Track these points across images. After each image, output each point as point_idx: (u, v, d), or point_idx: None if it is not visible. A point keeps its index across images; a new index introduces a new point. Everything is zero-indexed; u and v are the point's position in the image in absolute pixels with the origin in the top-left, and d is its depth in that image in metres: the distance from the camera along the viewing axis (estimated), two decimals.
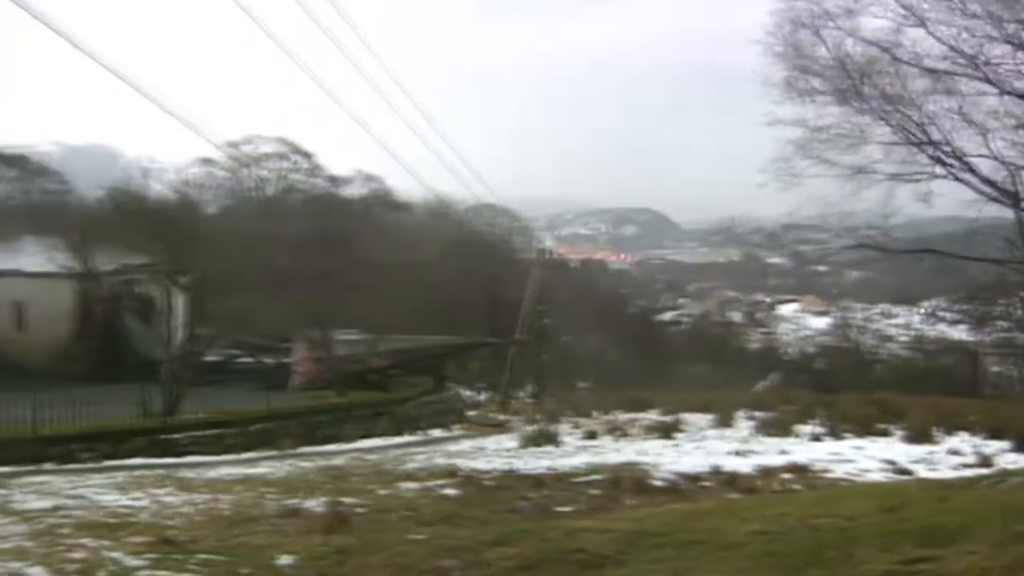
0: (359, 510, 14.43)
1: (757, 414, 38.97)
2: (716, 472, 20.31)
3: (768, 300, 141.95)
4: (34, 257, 44.50)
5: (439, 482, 18.17)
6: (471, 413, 47.37)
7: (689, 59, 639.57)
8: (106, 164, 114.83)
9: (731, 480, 19.32)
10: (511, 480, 18.90)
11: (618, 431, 34.26)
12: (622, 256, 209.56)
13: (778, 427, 34.28)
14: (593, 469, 20.50)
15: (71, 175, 77.34)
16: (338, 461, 24.24)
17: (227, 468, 22.47)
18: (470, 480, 18.65)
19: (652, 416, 40.13)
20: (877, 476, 21.17)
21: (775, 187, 23.58)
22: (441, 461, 23.50)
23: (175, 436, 28.06)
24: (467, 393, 55.72)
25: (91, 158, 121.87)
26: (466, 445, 30.78)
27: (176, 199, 65.97)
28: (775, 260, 58.64)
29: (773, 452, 25.69)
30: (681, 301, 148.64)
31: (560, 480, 18.81)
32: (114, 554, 10.72)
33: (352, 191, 76.83)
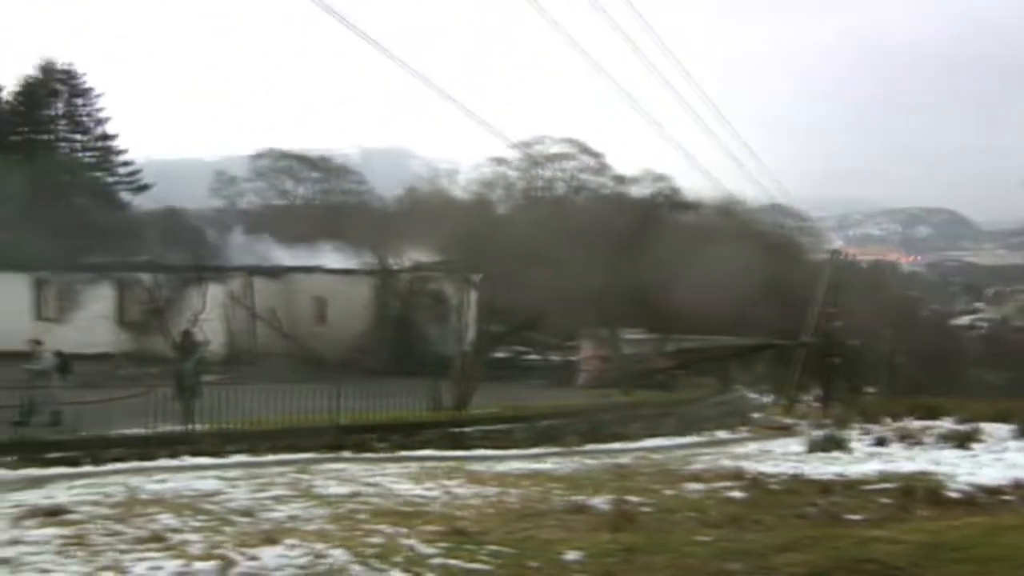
0: (644, 509, 14.45)
1: None
2: (1018, 486, 19.30)
3: None
4: (335, 254, 46.61)
5: (725, 484, 17.98)
6: (756, 415, 46.68)
7: (987, 51, 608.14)
8: (402, 165, 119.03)
9: None
10: (798, 485, 18.51)
11: (910, 439, 32.99)
12: (914, 257, 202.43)
13: None
14: (884, 477, 19.82)
15: (369, 176, 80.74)
16: (623, 459, 24.31)
17: (515, 463, 22.89)
18: (756, 483, 18.38)
19: (946, 424, 38.42)
20: None
21: None
22: (727, 463, 23.24)
23: (465, 430, 28.86)
24: (752, 395, 54.98)
25: (388, 159, 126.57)
26: (752, 447, 30.34)
27: (469, 199, 67.77)
28: None
29: None
30: (977, 305, 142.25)
31: (849, 487, 18.27)
32: (409, 541, 11.15)
33: (640, 190, 76.98)
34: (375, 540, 11.26)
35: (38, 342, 27.14)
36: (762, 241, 74.81)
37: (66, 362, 27.53)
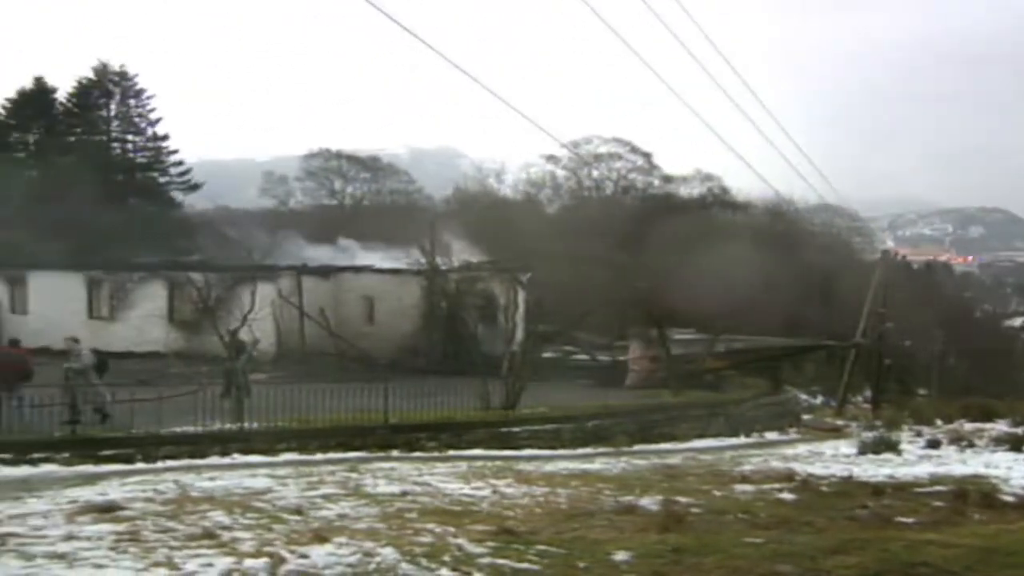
0: (694, 510, 14.39)
1: None
2: None
3: None
4: (384, 254, 46.80)
5: (775, 485, 17.88)
6: (807, 417, 46.40)
7: None
8: (451, 165, 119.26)
9: None
10: (849, 487, 18.37)
11: (963, 441, 32.65)
12: (967, 258, 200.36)
13: None
14: (936, 480, 19.63)
15: (418, 176, 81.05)
16: (672, 460, 24.23)
17: (563, 462, 22.88)
18: (807, 485, 18.26)
19: (1000, 427, 37.99)
20: None
21: None
22: (777, 464, 23.11)
23: (514, 429, 28.84)
24: (802, 396, 54.63)
25: (437, 159, 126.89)
26: (802, 449, 30.15)
27: (518, 198, 67.89)
28: None
29: None
30: None
31: (901, 490, 18.11)
32: (458, 540, 11.18)
33: (689, 190, 76.81)
34: (424, 539, 11.30)
35: (75, 340, 27.38)
36: (813, 241, 74.39)
37: (103, 360, 27.78)
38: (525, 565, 10.08)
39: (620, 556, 10.44)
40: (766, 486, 17.85)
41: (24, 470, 20.05)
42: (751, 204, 75.03)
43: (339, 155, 77.71)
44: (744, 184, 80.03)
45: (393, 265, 46.83)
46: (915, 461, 25.44)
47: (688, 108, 24.25)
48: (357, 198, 76.66)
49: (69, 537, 11.06)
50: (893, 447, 28.08)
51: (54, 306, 45.14)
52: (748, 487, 17.73)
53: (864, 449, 27.64)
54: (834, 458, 25.86)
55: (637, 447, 28.89)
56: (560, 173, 74.81)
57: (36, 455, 21.16)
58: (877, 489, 18.00)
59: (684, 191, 76.46)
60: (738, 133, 30.87)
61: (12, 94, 68.23)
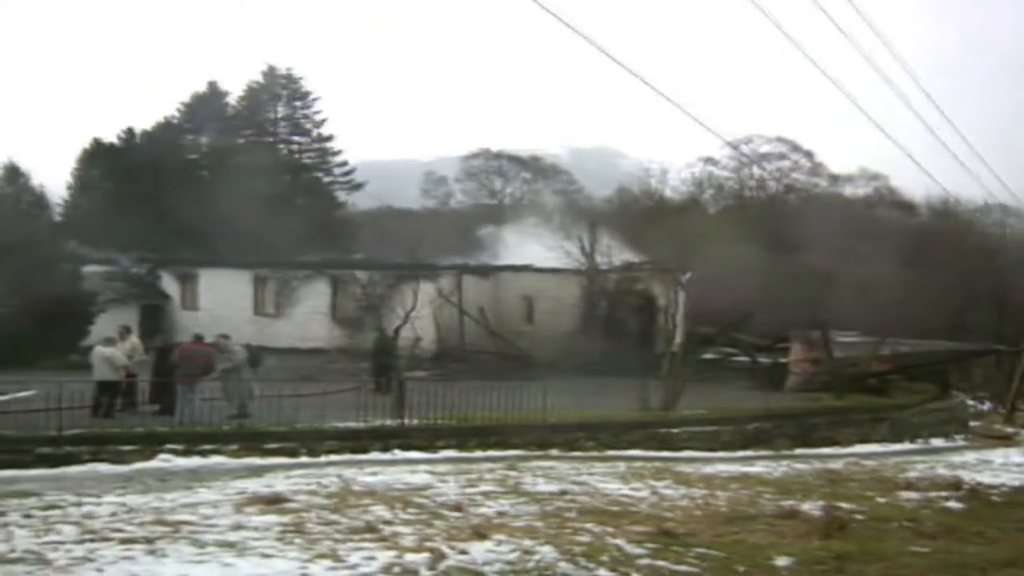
0: (857, 516, 14.11)
1: None
2: None
3: None
4: (544, 253, 46.94)
5: (941, 493, 17.41)
6: (975, 423, 45.02)
7: None
8: (611, 164, 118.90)
9: None
10: (1021, 497, 17.81)
11: None
12: None
13: None
14: None
15: (578, 175, 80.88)
16: (834, 465, 23.81)
17: (723, 465, 22.66)
18: (975, 494, 17.73)
19: None
20: None
21: None
22: (943, 471, 22.51)
23: (673, 430, 28.68)
24: (970, 402, 53.05)
25: (596, 159, 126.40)
26: (970, 457, 29.28)
27: (680, 198, 67.43)
28: None
29: None
30: None
31: None
32: (616, 540, 11.17)
33: (854, 190, 75.18)
34: (583, 538, 11.32)
35: (226, 336, 28.15)
36: (983, 242, 72.09)
37: (255, 355, 28.55)
38: (684, 568, 10.03)
39: (781, 561, 10.31)
40: (932, 494, 17.39)
41: (194, 461, 20.78)
42: (918, 204, 73.08)
43: (499, 155, 78.18)
44: (908, 182, 77.92)
45: (552, 264, 46.93)
46: None
47: (852, 103, 23.72)
48: (517, 198, 76.97)
49: (237, 527, 11.40)
50: None
51: (223, 302, 46.50)
52: (913, 494, 17.31)
53: None
54: (1004, 467, 25.07)
55: (798, 451, 28.55)
56: (720, 173, 74.11)
57: (206, 447, 21.87)
58: None
59: (849, 190, 74.89)
60: (906, 130, 30.02)
61: (186, 98, 70.68)
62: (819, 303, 38.25)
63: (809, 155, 74.32)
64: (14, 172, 42.30)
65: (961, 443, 37.08)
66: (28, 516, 12.11)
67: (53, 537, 10.71)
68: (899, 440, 34.49)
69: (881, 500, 16.50)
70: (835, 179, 74.82)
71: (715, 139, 77.66)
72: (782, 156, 73.49)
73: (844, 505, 15.07)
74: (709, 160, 72.66)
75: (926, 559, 10.49)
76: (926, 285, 46.24)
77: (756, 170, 71.88)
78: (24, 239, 36.65)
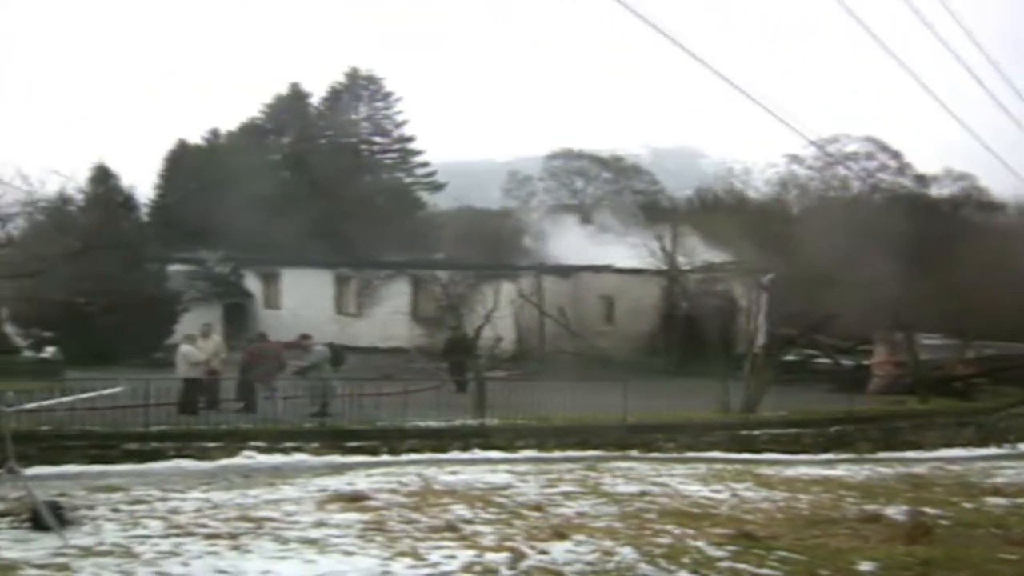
0: (942, 522, 13.88)
1: None
2: None
3: None
4: (624, 253, 46.79)
5: None
6: None
7: None
8: (691, 165, 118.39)
9: None
10: None
11: None
12: None
13: None
14: None
15: (660, 175, 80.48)
16: (918, 469, 23.44)
17: (804, 467, 22.43)
18: None
19: None
20: None
21: None
22: None
23: (753, 432, 28.50)
24: None
25: (677, 159, 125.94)
26: None
27: (762, 199, 66.71)
28: None
29: None
30: None
31: None
32: (697, 542, 11.12)
33: (940, 190, 73.99)
34: (663, 540, 11.28)
35: (306, 336, 28.42)
36: None
37: (338, 354, 28.83)
38: (765, 571, 9.95)
39: (864, 566, 10.19)
40: (1020, 500, 17.05)
41: (277, 458, 21.04)
42: (1007, 205, 71.71)
43: (581, 155, 78.02)
44: (996, 182, 76.52)
45: (632, 265, 46.78)
46: None
47: (936, 100, 23.30)
48: (598, 198, 76.72)
49: (319, 524, 11.53)
50: None
51: (305, 302, 47.04)
52: (1001, 500, 16.96)
53: None
54: None
55: (881, 454, 28.14)
56: (803, 173, 73.23)
57: (288, 444, 22.14)
58: None
59: (935, 191, 73.71)
60: (991, 127, 29.42)
61: (269, 99, 71.47)
62: (904, 305, 37.68)
63: (897, 155, 73.27)
64: (103, 173, 42.98)
65: None
66: (116, 510, 12.35)
67: (140, 531, 10.93)
68: (985, 444, 33.83)
69: (967, 505, 16.20)
70: (921, 179, 73.68)
71: (799, 138, 76.77)
72: (869, 156, 72.48)
73: (929, 510, 14.82)
74: (794, 159, 71.89)
75: (1014, 567, 10.31)
76: (1013, 286, 45.35)
77: (841, 170, 71.00)
78: (112, 239, 37.23)
